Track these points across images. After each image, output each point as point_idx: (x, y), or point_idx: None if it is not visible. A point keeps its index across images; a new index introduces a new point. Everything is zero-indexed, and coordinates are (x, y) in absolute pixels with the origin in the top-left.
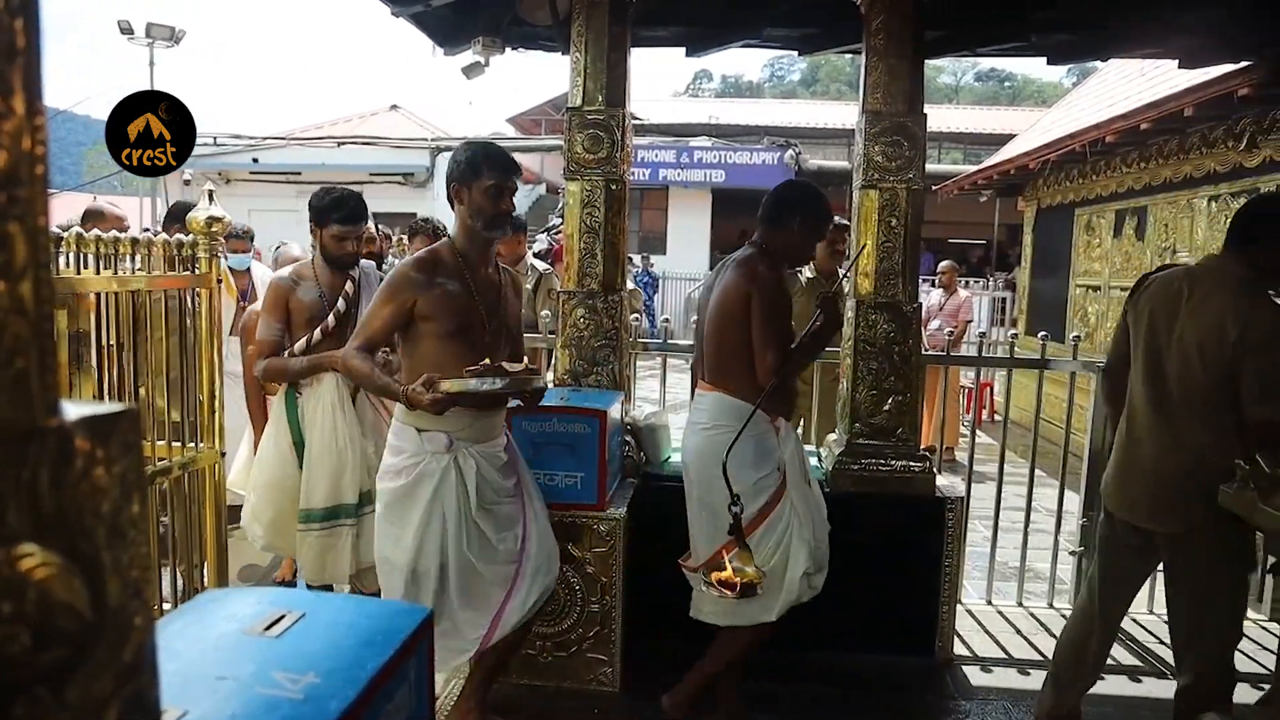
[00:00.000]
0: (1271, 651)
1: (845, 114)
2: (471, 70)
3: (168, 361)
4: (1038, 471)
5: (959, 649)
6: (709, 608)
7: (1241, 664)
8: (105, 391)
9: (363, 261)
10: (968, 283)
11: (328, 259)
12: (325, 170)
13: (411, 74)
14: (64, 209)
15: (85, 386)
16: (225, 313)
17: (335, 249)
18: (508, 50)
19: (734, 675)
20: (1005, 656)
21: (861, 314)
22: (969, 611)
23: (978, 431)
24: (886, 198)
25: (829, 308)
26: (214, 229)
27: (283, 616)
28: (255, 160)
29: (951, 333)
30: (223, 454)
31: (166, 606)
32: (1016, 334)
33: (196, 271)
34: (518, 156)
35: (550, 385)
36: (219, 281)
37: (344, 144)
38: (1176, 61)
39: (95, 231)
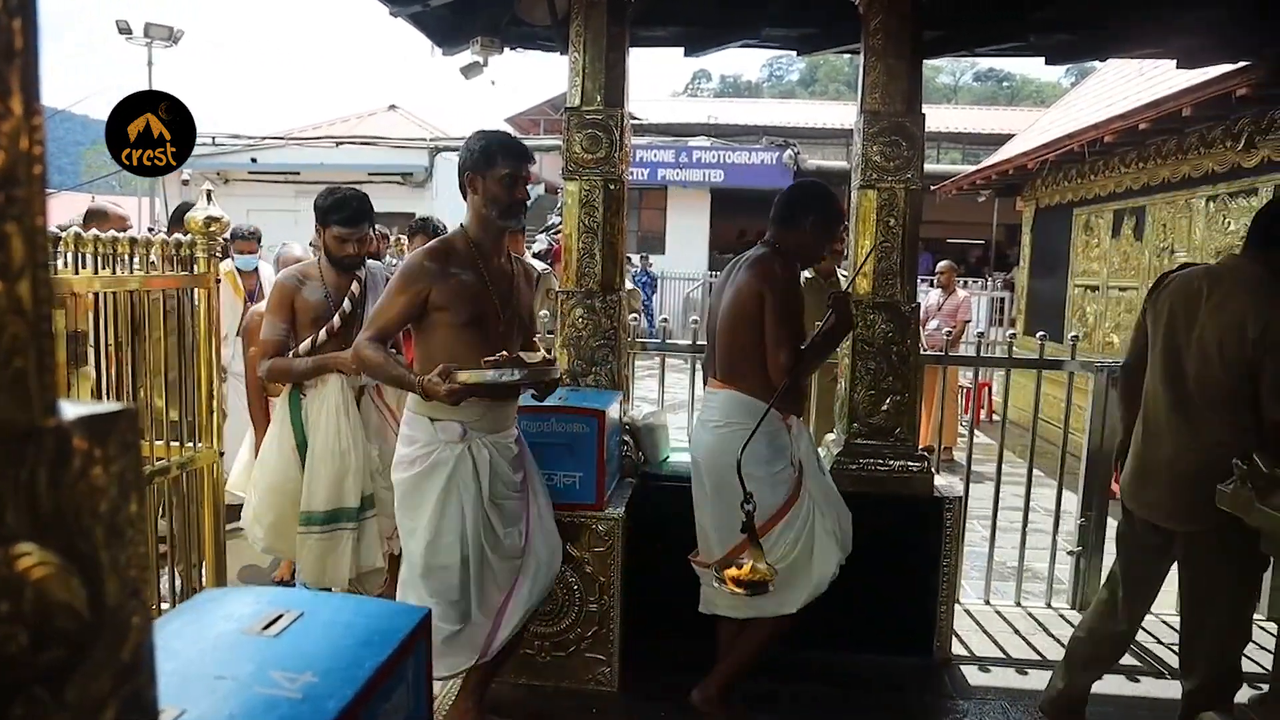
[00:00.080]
0: (1268, 650)
1: (844, 114)
2: (470, 70)
3: (166, 361)
4: (1036, 471)
5: (957, 649)
6: (723, 602)
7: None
8: (104, 391)
9: (369, 262)
10: (966, 283)
11: (331, 260)
12: (324, 170)
13: (410, 74)
14: (62, 209)
15: (83, 386)
16: (233, 313)
17: (336, 250)
18: (506, 50)
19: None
20: (1003, 656)
21: (860, 314)
22: (967, 611)
23: (976, 431)
24: (885, 198)
25: (840, 307)
26: (212, 229)
27: (280, 616)
28: (254, 160)
29: (950, 333)
30: (221, 454)
31: (165, 606)
32: (1015, 334)
33: (195, 271)
34: None
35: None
36: (218, 281)
37: (342, 144)
38: (1175, 62)
39: (94, 231)
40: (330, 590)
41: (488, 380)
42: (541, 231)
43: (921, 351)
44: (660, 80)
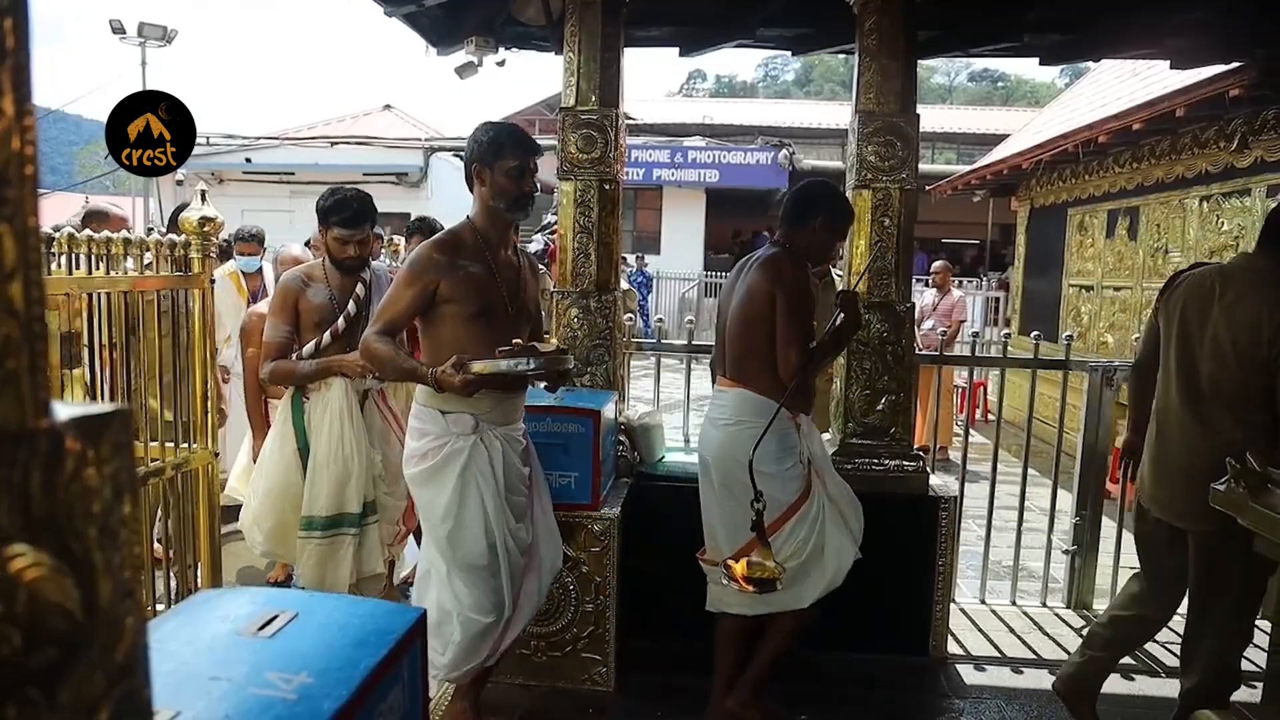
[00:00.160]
0: (1262, 649)
1: (839, 114)
2: (464, 70)
3: (160, 362)
4: (1031, 471)
5: (953, 648)
6: (734, 600)
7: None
8: (98, 392)
9: (374, 263)
10: (961, 282)
11: (332, 261)
12: (318, 170)
13: (405, 74)
14: (56, 209)
15: (77, 387)
16: (236, 315)
17: (337, 252)
18: (501, 50)
19: (726, 677)
20: (999, 655)
21: None
22: (963, 610)
23: (971, 431)
24: (880, 198)
25: (849, 306)
26: (206, 229)
27: (276, 617)
28: (249, 160)
29: (945, 332)
30: (216, 454)
31: (160, 607)
32: (1010, 333)
33: (190, 272)
34: None
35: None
36: (213, 282)
37: (337, 144)
38: (1168, 62)
39: (88, 232)
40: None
41: (502, 370)
42: (538, 231)
43: (917, 351)
44: (655, 80)
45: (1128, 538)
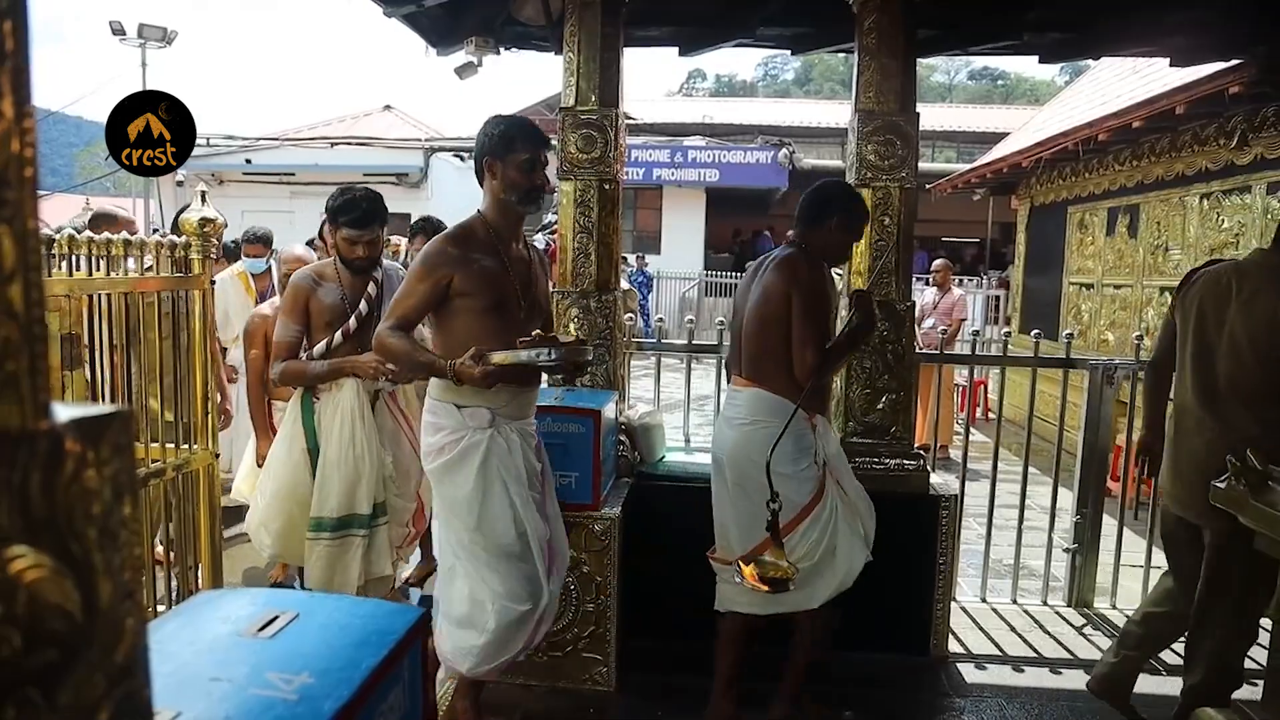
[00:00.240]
0: (1264, 647)
1: (839, 113)
2: (464, 70)
3: (161, 363)
4: (1031, 469)
5: (953, 646)
6: (744, 599)
7: None
8: (98, 393)
9: (386, 262)
10: (961, 281)
11: (342, 261)
12: (318, 171)
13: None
14: (56, 211)
15: (77, 388)
16: (244, 316)
17: (346, 252)
18: (501, 50)
19: (726, 677)
20: (999, 654)
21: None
22: (963, 609)
23: (972, 429)
24: (880, 196)
25: (864, 306)
26: (206, 230)
27: (276, 617)
28: (249, 161)
29: (945, 331)
30: (216, 455)
31: (161, 608)
32: (1010, 332)
33: (190, 273)
34: None
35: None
36: (212, 283)
37: (337, 145)
38: (1168, 60)
39: (87, 233)
40: None
41: (522, 360)
42: (539, 231)
43: (917, 350)
44: (655, 80)
45: (1128, 536)
